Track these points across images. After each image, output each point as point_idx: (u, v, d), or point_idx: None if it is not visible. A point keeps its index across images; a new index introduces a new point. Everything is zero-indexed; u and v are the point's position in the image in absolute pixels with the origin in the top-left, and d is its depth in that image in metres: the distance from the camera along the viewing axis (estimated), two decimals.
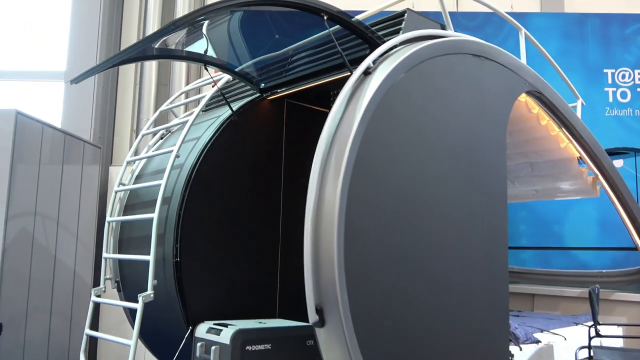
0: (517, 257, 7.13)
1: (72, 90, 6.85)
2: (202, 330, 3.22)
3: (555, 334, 3.70)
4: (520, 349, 3.50)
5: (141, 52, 3.06)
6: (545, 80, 3.84)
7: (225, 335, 3.03)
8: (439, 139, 2.94)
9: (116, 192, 3.88)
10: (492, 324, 3.09)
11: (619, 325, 4.52)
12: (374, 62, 2.75)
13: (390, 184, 2.63)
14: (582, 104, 4.63)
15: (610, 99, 7.33)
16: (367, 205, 2.50)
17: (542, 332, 4.11)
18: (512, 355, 3.39)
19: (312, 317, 2.34)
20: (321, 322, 2.34)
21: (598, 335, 3.59)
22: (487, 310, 3.07)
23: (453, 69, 3.07)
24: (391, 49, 2.88)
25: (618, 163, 7.08)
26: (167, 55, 3.55)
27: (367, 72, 2.70)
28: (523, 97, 3.85)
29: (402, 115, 2.75)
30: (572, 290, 5.74)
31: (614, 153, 5.75)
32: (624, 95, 7.33)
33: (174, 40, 3.43)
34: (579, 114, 4.49)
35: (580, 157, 4.43)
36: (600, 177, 4.51)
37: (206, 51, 3.50)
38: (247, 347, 3.03)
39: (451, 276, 2.87)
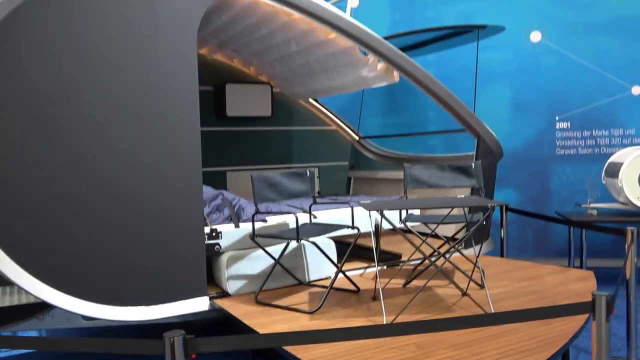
0: (426, 144, 7.21)
1: None
2: None
3: (291, 212, 4.00)
4: (237, 226, 4.00)
5: None
6: None
7: None
8: (94, 52, 3.34)
9: None
10: (182, 208, 3.61)
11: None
12: None
13: (24, 85, 3.15)
14: None
15: None
16: None
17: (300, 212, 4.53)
18: (220, 233, 3.92)
19: None
20: None
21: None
22: (176, 193, 3.57)
23: None
24: None
25: (536, 37, 6.67)
26: None
27: None
28: None
29: (37, 33, 3.20)
30: None
31: (458, 33, 5.52)
32: None
33: None
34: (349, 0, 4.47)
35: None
36: (386, 62, 4.54)
37: None
38: None
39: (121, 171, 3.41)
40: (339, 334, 2.03)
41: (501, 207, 5.52)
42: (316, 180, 6.75)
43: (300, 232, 3.49)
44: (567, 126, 6.68)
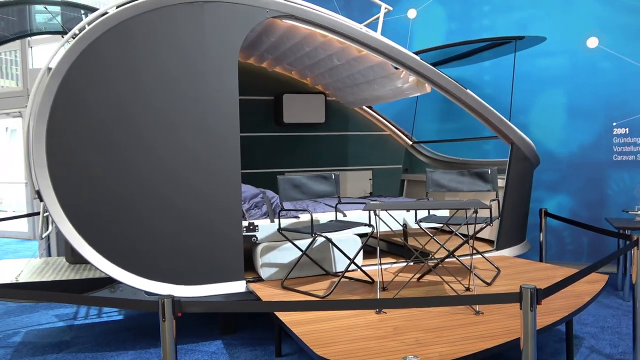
0: (479, 149, 7.41)
1: None
2: None
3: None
4: (272, 221, 4.60)
5: None
6: (302, 1, 4.47)
7: None
8: (150, 78, 4.10)
9: None
10: (223, 206, 4.29)
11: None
12: (85, 26, 4.06)
13: (92, 113, 3.99)
14: (388, 9, 4.96)
15: None
16: (67, 128, 3.95)
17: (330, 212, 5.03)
18: (257, 226, 4.55)
19: (33, 195, 4.01)
20: (40, 198, 4.00)
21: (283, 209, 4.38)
22: (218, 194, 4.26)
23: (163, 21, 4.11)
24: (104, 14, 4.12)
25: (592, 42, 6.65)
26: None
27: (74, 37, 4.04)
28: (280, 22, 4.57)
29: (104, 66, 4.01)
30: None
31: (497, 44, 5.72)
32: None
33: None
34: (381, 19, 4.89)
35: None
36: (415, 75, 4.92)
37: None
38: None
39: (174, 168, 4.16)
40: (307, 305, 2.55)
41: (540, 212, 5.66)
42: (369, 182, 7.21)
43: (317, 228, 4.02)
44: (626, 132, 6.59)
